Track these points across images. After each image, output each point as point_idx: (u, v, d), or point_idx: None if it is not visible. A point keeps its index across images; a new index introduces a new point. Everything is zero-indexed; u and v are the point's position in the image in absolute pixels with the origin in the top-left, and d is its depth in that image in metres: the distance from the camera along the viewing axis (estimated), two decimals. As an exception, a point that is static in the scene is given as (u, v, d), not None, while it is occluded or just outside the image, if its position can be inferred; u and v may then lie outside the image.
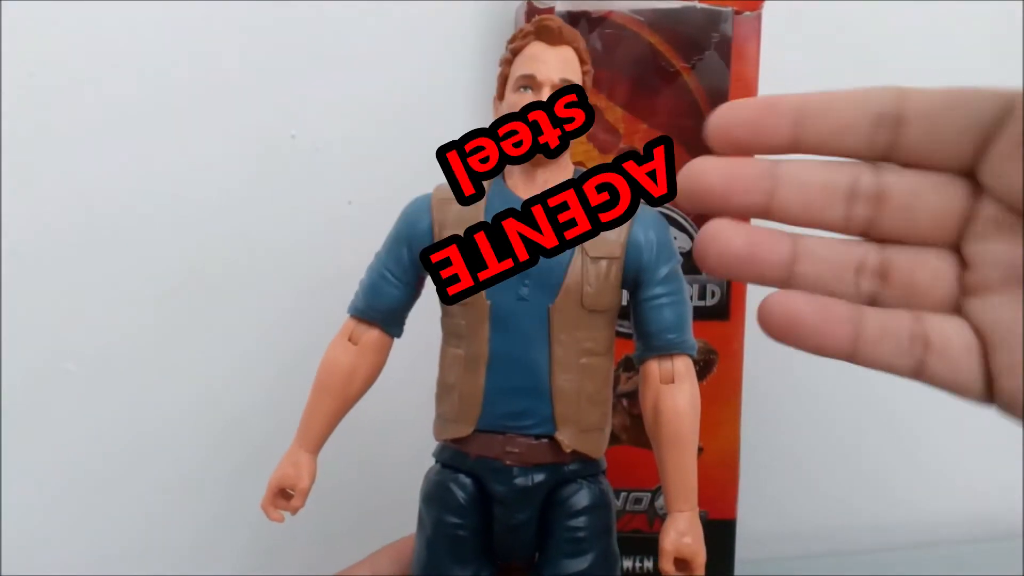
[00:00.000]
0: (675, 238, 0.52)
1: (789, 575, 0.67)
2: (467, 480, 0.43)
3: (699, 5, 0.50)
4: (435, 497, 0.43)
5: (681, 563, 0.42)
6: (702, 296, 0.53)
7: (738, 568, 0.57)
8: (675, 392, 0.42)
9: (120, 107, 0.60)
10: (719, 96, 0.51)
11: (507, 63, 0.43)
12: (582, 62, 0.43)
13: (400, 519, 0.47)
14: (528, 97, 0.41)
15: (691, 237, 0.52)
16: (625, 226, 0.41)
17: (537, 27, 0.42)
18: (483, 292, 0.41)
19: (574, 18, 0.50)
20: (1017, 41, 0.68)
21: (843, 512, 0.75)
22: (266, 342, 0.64)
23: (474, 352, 0.42)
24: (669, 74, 0.51)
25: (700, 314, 0.53)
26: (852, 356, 0.27)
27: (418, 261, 0.43)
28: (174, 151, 0.61)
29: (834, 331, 0.27)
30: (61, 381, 0.62)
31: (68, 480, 0.64)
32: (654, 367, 0.43)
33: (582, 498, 0.42)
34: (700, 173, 0.27)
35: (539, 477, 0.42)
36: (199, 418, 0.64)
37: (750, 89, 0.51)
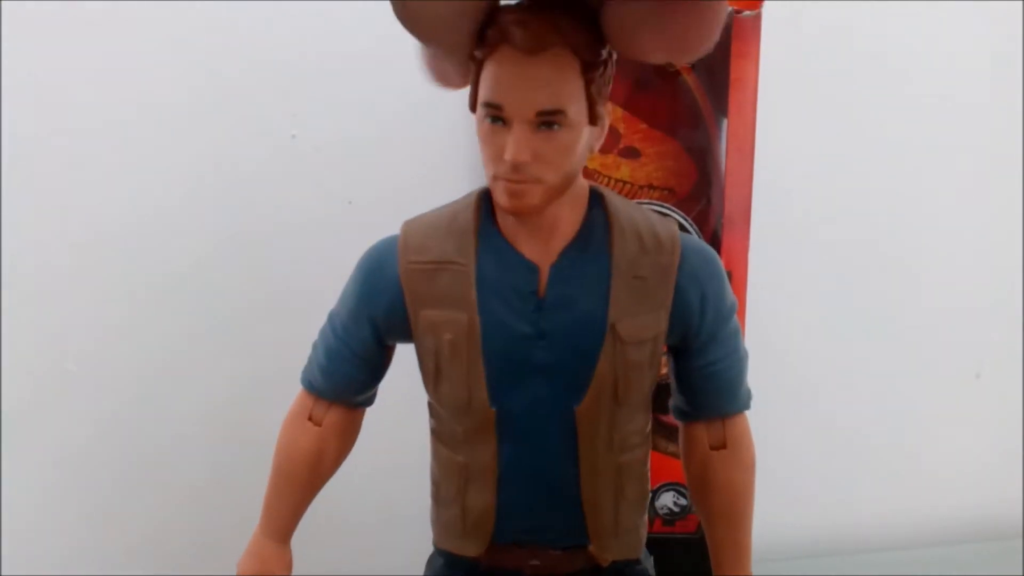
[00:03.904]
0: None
1: (789, 575, 0.66)
2: None
3: (699, 5, 0.50)
4: None
5: None
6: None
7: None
8: (729, 461, 0.35)
9: (120, 109, 0.60)
10: (719, 97, 0.51)
11: (475, 70, 0.30)
12: (586, 66, 0.29)
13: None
14: (499, 135, 0.30)
15: (691, 237, 0.52)
16: (671, 277, 0.32)
17: (507, 27, 0.28)
18: (484, 394, 0.32)
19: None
20: (1017, 41, 0.68)
21: (843, 512, 0.75)
22: (267, 342, 0.64)
23: (478, 464, 0.33)
24: (669, 74, 0.51)
25: (700, 314, 0.53)
26: None
27: (386, 338, 0.34)
28: (175, 152, 0.61)
29: None
30: (61, 381, 0.62)
31: (69, 480, 0.64)
32: (702, 432, 0.35)
33: None
34: None
35: None
36: (199, 418, 0.64)
37: (750, 89, 0.51)
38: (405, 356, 0.36)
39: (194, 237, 0.62)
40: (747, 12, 0.50)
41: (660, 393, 0.55)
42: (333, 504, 0.59)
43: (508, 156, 0.29)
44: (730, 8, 0.50)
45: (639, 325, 0.32)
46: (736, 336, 0.34)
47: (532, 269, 0.32)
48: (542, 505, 0.34)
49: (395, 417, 0.47)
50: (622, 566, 0.36)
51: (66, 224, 0.61)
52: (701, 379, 0.34)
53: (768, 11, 0.50)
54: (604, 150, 0.52)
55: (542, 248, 0.32)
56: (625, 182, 0.52)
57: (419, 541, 0.40)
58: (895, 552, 0.71)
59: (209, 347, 0.64)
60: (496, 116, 0.30)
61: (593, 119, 0.31)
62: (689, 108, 0.51)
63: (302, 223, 0.63)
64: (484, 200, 0.33)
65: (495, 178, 0.30)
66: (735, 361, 0.34)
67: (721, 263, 0.34)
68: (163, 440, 0.64)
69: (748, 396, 0.35)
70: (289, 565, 0.37)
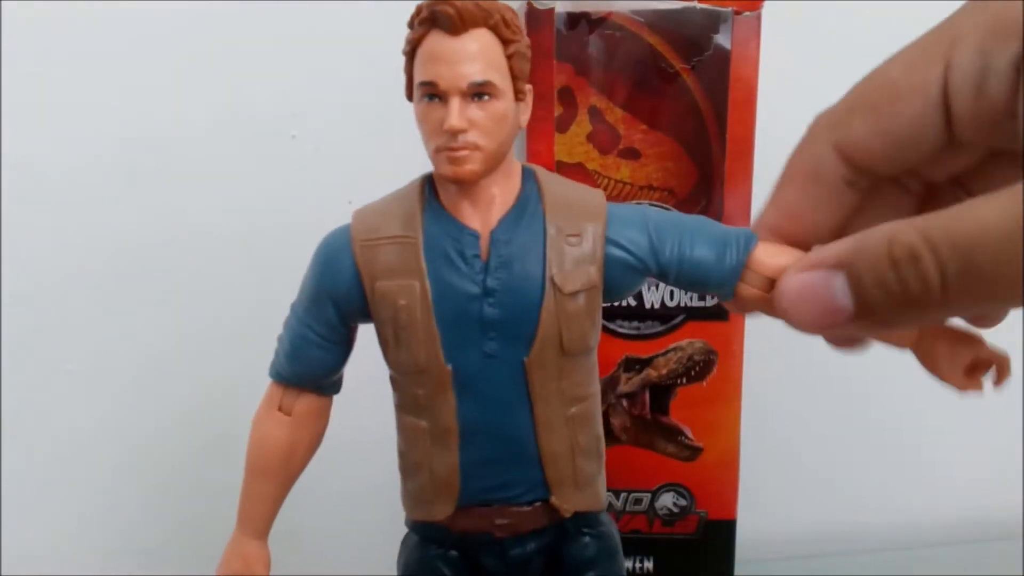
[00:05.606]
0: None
1: (789, 575, 0.66)
2: (454, 554, 0.37)
3: (699, 5, 0.50)
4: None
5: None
6: (702, 296, 0.53)
7: (738, 568, 0.57)
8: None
9: (117, 109, 0.60)
10: (719, 97, 0.51)
11: (407, 58, 0.35)
12: (505, 42, 0.34)
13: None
14: (436, 110, 0.33)
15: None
16: (599, 236, 0.35)
17: (431, 13, 0.33)
18: (440, 354, 0.34)
19: (574, 19, 0.50)
20: (1017, 41, 0.67)
21: (843, 512, 0.75)
22: (267, 342, 0.64)
23: (440, 425, 0.35)
24: (669, 75, 0.51)
25: (700, 314, 0.53)
26: None
27: (348, 318, 0.36)
28: (173, 152, 0.61)
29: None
30: (61, 381, 0.62)
31: (68, 480, 0.64)
32: (747, 289, 0.33)
33: (588, 552, 0.38)
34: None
35: (536, 543, 0.37)
36: (199, 418, 0.64)
37: (750, 89, 0.51)
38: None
39: (193, 236, 0.62)
40: (747, 12, 0.50)
41: (659, 393, 0.55)
42: (318, 509, 0.59)
43: (447, 125, 0.32)
44: (730, 8, 0.50)
45: (573, 277, 0.34)
46: (671, 218, 0.35)
47: (474, 235, 0.35)
48: (502, 460, 0.36)
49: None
50: (586, 524, 0.38)
51: (65, 224, 0.61)
52: (690, 269, 0.34)
53: (768, 11, 0.50)
54: (604, 151, 0.52)
55: (483, 218, 0.35)
56: (625, 183, 0.52)
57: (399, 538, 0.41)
58: (895, 552, 0.71)
59: (208, 347, 0.64)
60: (432, 94, 0.33)
61: (518, 95, 0.35)
62: (689, 108, 0.51)
63: (302, 223, 0.63)
64: (428, 181, 0.37)
65: (437, 150, 0.34)
66: (696, 231, 0.35)
67: (637, 207, 0.37)
68: (163, 440, 0.64)
69: (749, 233, 0.34)
70: (268, 562, 0.39)
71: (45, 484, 0.64)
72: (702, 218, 0.36)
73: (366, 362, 0.39)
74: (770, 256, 0.32)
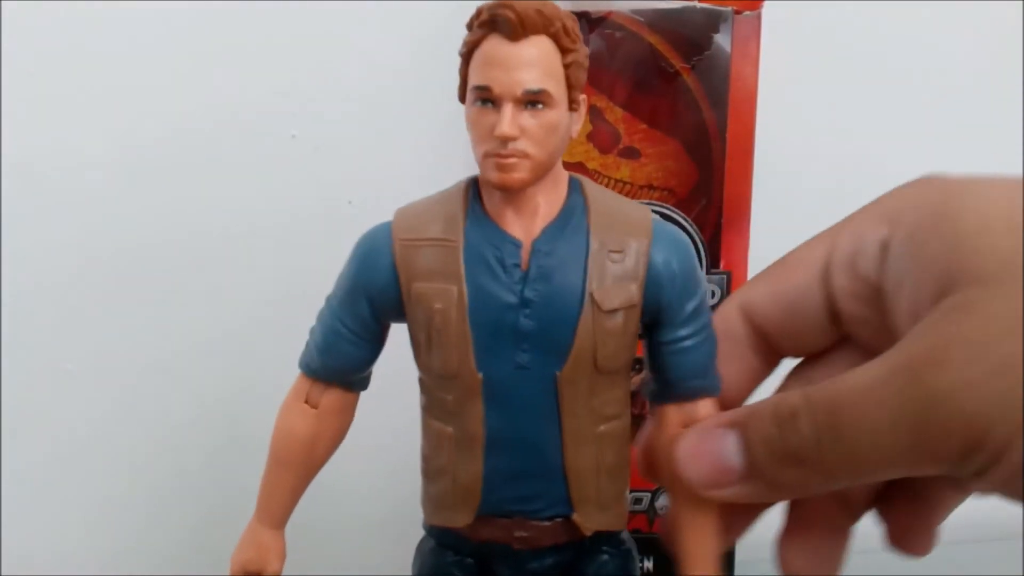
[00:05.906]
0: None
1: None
2: (470, 562, 0.37)
3: (699, 5, 0.50)
4: None
5: None
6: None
7: (738, 568, 0.57)
8: None
9: (118, 109, 0.60)
10: (719, 96, 0.51)
11: (463, 59, 0.34)
12: (564, 50, 0.33)
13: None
14: (488, 115, 0.32)
15: (691, 239, 0.52)
16: (643, 254, 0.34)
17: (491, 16, 0.32)
18: (472, 361, 0.34)
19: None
20: (1017, 41, 0.68)
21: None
22: (267, 342, 0.64)
23: (466, 432, 0.35)
24: (669, 74, 0.51)
25: (700, 314, 0.53)
26: None
27: (381, 316, 0.36)
28: (173, 151, 0.61)
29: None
30: (61, 381, 0.62)
31: (68, 480, 0.64)
32: (672, 413, 0.36)
33: (607, 569, 0.37)
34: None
35: (554, 559, 0.37)
36: (199, 418, 0.65)
37: (750, 89, 0.51)
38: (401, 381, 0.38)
39: (193, 237, 0.62)
40: (747, 12, 0.50)
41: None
42: (330, 506, 0.59)
43: (498, 131, 0.32)
44: (730, 8, 0.50)
45: (613, 294, 0.33)
46: (705, 315, 0.36)
47: (516, 244, 0.34)
48: (527, 473, 0.35)
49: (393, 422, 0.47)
50: (606, 542, 0.38)
51: (65, 224, 0.61)
52: (672, 355, 0.35)
53: (768, 11, 0.50)
54: (604, 150, 0.52)
55: (526, 227, 0.34)
56: (625, 182, 0.52)
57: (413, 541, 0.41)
58: (894, 552, 0.71)
59: (208, 347, 0.64)
60: (485, 98, 0.32)
61: (572, 104, 0.34)
62: (689, 108, 0.51)
63: (302, 223, 0.63)
64: (473, 185, 0.36)
65: (485, 156, 0.33)
66: (706, 339, 0.35)
67: (692, 248, 0.36)
68: (163, 440, 0.64)
69: (719, 385, 0.36)
70: (283, 554, 0.38)
71: (45, 484, 0.64)
72: (715, 336, 0.36)
73: (378, 362, 0.39)
74: (706, 412, 0.35)
